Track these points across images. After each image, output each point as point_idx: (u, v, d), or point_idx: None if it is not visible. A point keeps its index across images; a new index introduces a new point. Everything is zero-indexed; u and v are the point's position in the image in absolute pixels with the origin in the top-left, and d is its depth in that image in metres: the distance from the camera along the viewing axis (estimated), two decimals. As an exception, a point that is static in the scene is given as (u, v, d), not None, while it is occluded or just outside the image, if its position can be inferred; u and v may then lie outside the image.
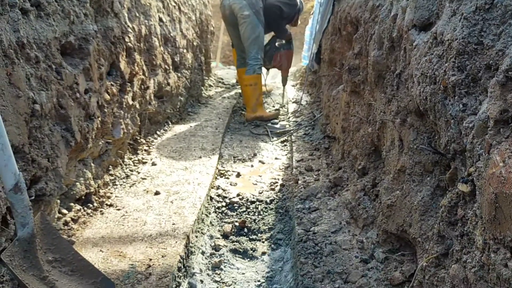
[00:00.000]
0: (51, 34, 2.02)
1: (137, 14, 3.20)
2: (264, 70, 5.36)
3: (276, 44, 5.47)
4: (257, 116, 4.79)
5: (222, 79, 6.81)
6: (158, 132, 3.78)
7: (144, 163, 3.12)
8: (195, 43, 5.07)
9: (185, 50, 4.54)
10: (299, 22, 5.64)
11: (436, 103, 1.39)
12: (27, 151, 1.75)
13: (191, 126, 4.22)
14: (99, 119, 2.47)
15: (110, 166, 2.75)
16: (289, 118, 4.86)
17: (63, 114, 2.07)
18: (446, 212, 1.36)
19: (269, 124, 4.55)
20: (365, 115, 2.51)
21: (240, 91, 5.79)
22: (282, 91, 6.02)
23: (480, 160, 1.09)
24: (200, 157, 3.34)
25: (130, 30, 2.95)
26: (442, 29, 1.37)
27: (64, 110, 2.07)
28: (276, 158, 3.72)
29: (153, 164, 3.10)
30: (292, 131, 4.20)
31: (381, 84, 2.18)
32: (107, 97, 2.59)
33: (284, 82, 5.88)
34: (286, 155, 3.81)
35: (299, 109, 4.93)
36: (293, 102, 5.53)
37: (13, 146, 1.60)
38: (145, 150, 3.34)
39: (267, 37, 5.49)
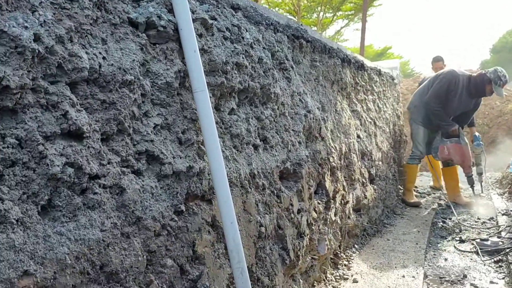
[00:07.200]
0: (274, 163, 2.32)
1: (339, 134, 3.44)
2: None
3: (444, 138, 5.44)
4: (403, 198, 5.68)
5: (416, 187, 6.56)
6: (356, 246, 3.77)
7: (345, 279, 3.10)
8: (389, 154, 5.10)
9: (380, 162, 4.60)
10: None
11: None
12: (254, 270, 1.95)
13: (388, 240, 4.09)
14: (308, 236, 2.62)
15: (315, 282, 2.82)
16: (500, 233, 4.31)
17: (280, 234, 2.27)
18: None
19: (478, 241, 4.09)
20: None
21: (437, 200, 5.84)
22: (476, 191, 5.84)
23: None
24: (403, 276, 3.17)
25: (333, 150, 3.17)
26: None
27: (281, 230, 2.28)
28: (491, 282, 3.27)
29: (355, 281, 3.06)
30: (507, 250, 3.68)
31: None
32: (315, 215, 2.76)
33: (470, 182, 5.61)
34: (503, 278, 3.32)
35: (513, 223, 4.35)
36: (503, 214, 4.92)
37: (244, 267, 1.82)
38: (345, 265, 3.34)
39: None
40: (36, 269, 0.97)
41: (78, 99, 1.19)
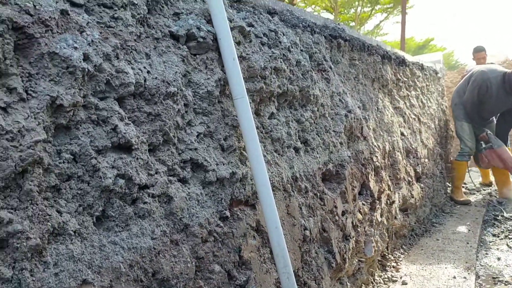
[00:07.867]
0: (316, 165, 2.32)
1: (381, 133, 3.38)
2: None
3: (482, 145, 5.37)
4: (452, 196, 5.57)
5: (465, 183, 6.32)
6: (404, 247, 3.69)
7: (394, 281, 3.04)
8: (435, 151, 4.96)
9: (426, 160, 4.47)
10: None
11: None
12: (300, 275, 1.95)
13: (437, 240, 3.97)
14: (354, 238, 2.59)
15: (363, 285, 2.78)
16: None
17: (325, 237, 2.26)
18: None
19: (534, 239, 3.90)
20: None
21: (488, 196, 5.70)
22: None
23: None
24: (454, 277, 3.06)
25: (376, 149, 3.11)
26: None
27: (326, 233, 2.27)
28: (550, 283, 3.11)
29: (404, 283, 3.00)
30: None
31: None
32: (360, 216, 2.72)
33: None
34: None
35: None
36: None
37: (291, 271, 1.82)
38: (393, 267, 3.27)
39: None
40: (94, 278, 1.02)
41: (126, 113, 1.25)
